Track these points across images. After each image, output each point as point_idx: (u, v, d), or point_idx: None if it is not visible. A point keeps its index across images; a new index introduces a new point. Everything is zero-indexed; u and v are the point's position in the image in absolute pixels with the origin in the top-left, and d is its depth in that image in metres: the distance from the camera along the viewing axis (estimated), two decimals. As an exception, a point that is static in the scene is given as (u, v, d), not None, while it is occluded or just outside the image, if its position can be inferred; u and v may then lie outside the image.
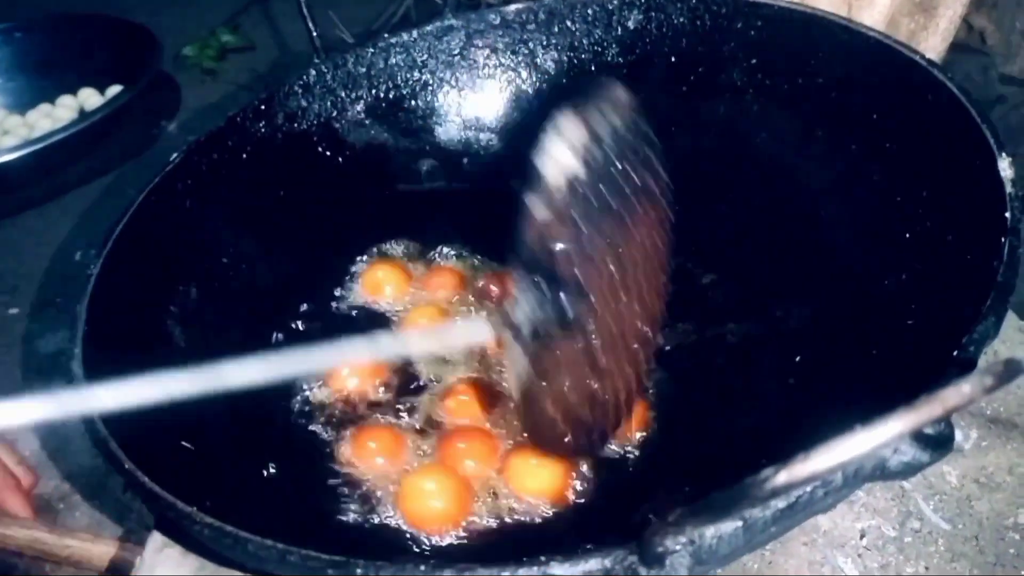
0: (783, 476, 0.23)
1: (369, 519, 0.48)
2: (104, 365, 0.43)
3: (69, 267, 0.94)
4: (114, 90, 1.14)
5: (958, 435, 0.52)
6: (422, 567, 0.29)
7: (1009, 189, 0.40)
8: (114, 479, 0.70)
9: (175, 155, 0.55)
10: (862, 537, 0.47)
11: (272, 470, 0.48)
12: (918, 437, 0.29)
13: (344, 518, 0.47)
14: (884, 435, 0.22)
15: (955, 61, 1.04)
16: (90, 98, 1.15)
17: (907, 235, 0.48)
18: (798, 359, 0.51)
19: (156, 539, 0.46)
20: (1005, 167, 0.41)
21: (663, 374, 0.55)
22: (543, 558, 0.29)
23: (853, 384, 0.46)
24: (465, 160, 0.66)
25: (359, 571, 0.30)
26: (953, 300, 0.39)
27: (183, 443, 0.43)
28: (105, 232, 0.50)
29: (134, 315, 0.48)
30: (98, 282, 0.46)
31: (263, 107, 0.59)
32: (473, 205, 0.64)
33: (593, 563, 0.29)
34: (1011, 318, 0.61)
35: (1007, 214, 0.39)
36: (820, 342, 0.51)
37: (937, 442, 0.29)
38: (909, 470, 0.30)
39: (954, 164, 0.45)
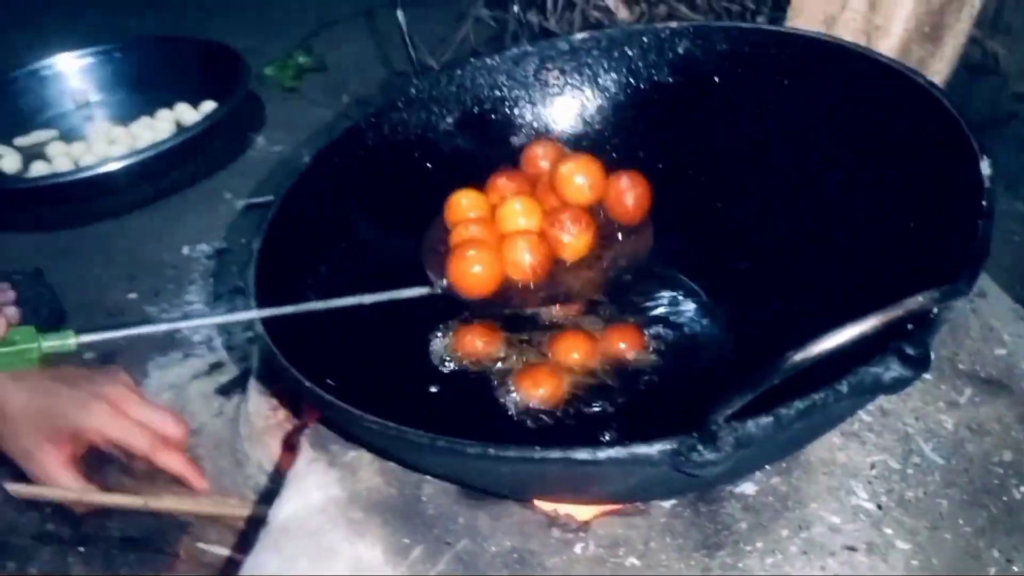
0: (799, 355, 0.34)
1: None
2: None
3: (177, 258, 1.07)
4: (207, 105, 1.27)
5: (954, 392, 0.63)
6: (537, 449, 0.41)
7: (987, 184, 0.51)
8: (232, 432, 0.82)
9: (306, 158, 0.67)
10: (872, 468, 0.58)
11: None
12: (903, 357, 0.40)
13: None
14: (865, 326, 0.33)
15: (971, 82, 1.14)
16: (185, 112, 1.28)
17: (911, 224, 0.59)
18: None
19: (306, 454, 0.58)
20: (985, 167, 0.52)
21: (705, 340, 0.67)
22: (625, 441, 0.41)
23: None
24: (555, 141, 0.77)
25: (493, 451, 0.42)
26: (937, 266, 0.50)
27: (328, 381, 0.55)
28: (259, 221, 0.62)
29: (285, 284, 0.60)
30: (260, 257, 0.59)
31: (373, 119, 0.72)
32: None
33: (664, 444, 0.40)
34: (1005, 299, 0.72)
35: (984, 202, 0.50)
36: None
37: (917, 361, 0.40)
38: (897, 384, 0.41)
39: (945, 165, 0.56)
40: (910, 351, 0.40)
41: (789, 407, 0.41)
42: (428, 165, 0.75)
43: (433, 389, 0.64)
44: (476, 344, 0.66)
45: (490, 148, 0.77)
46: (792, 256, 0.68)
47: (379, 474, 0.58)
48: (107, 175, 1.13)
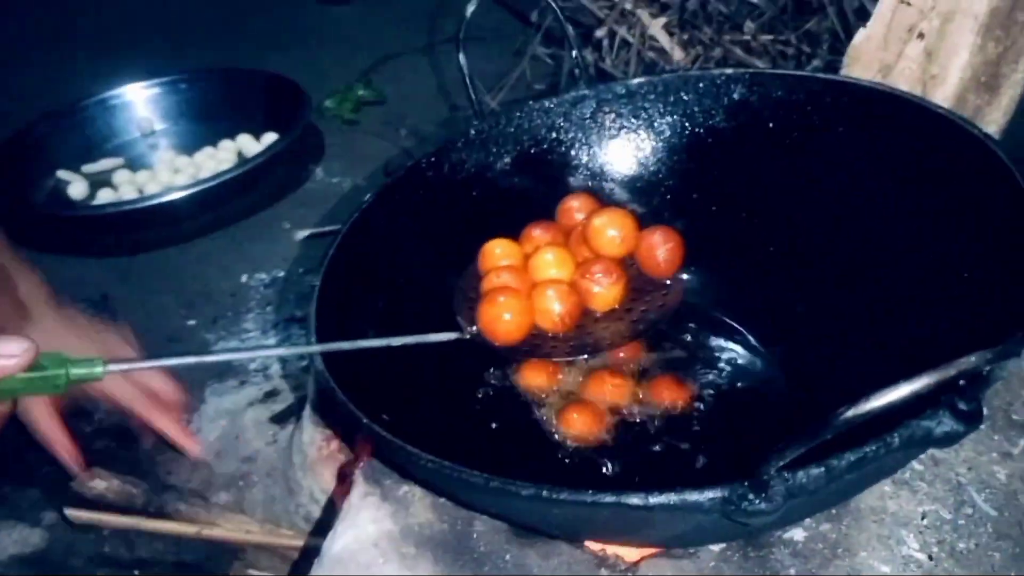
0: (851, 411, 0.34)
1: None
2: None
3: (236, 286, 1.09)
4: (268, 136, 1.30)
5: (1008, 444, 0.62)
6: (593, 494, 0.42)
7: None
8: (285, 460, 0.84)
9: (368, 196, 0.69)
10: (923, 518, 0.58)
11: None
12: (955, 411, 0.40)
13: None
14: (918, 385, 0.34)
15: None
16: (247, 143, 1.32)
17: (965, 274, 0.59)
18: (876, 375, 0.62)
19: (360, 489, 0.60)
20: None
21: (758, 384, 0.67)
22: (677, 487, 0.41)
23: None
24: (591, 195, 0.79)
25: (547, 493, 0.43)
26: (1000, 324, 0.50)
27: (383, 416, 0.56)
28: (321, 256, 0.64)
29: (343, 319, 0.62)
30: (320, 292, 0.60)
31: (434, 159, 0.73)
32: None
33: (715, 491, 0.41)
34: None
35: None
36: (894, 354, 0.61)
37: (970, 416, 0.40)
38: (949, 438, 0.41)
39: (1001, 218, 0.56)
40: (962, 406, 0.41)
41: (840, 458, 0.41)
42: (485, 203, 0.77)
43: (485, 425, 0.65)
44: (532, 381, 0.68)
45: (546, 187, 0.78)
46: (844, 301, 0.68)
47: (431, 509, 0.59)
48: (170, 203, 1.16)
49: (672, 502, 0.41)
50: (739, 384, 0.68)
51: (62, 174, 1.32)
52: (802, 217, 0.73)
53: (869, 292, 0.67)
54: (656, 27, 1.07)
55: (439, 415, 0.62)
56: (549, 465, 0.62)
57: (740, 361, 0.70)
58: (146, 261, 1.17)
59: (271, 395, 0.93)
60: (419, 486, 0.60)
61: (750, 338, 0.70)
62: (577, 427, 0.64)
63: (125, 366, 0.57)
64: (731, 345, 0.71)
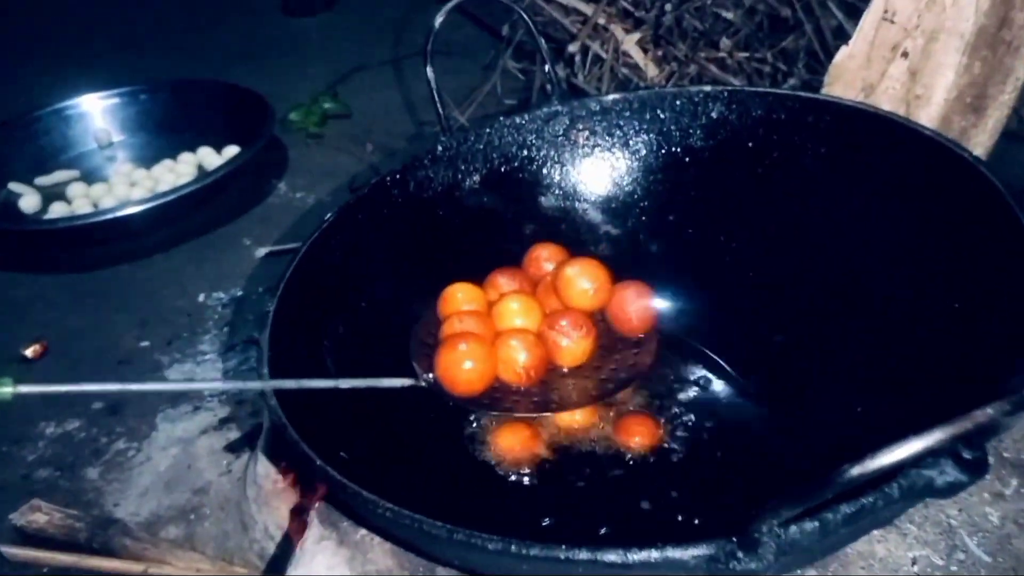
0: (856, 469, 0.31)
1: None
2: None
3: (192, 306, 1.05)
4: (230, 150, 1.26)
5: (999, 484, 0.59)
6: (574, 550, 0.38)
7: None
8: (239, 492, 0.79)
9: (329, 215, 0.65)
10: (913, 564, 0.54)
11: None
12: (958, 460, 0.37)
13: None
14: (930, 440, 0.30)
15: (1008, 150, 1.12)
16: (208, 156, 1.27)
17: (955, 304, 0.56)
18: (859, 410, 0.59)
19: (315, 532, 0.55)
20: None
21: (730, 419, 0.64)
22: (659, 544, 0.38)
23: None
24: (563, 225, 0.75)
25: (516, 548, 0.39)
26: (992, 357, 0.47)
27: (341, 454, 0.52)
28: (278, 277, 0.60)
29: (298, 343, 0.58)
30: (275, 318, 0.56)
31: (399, 176, 0.70)
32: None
33: (700, 548, 0.38)
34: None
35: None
36: (888, 397, 0.58)
37: (974, 465, 0.37)
38: (952, 489, 0.38)
39: (993, 243, 0.53)
40: (966, 454, 0.37)
41: (836, 512, 0.38)
42: (453, 222, 0.73)
43: (451, 466, 0.61)
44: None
45: (517, 207, 0.75)
46: (826, 330, 0.65)
47: (391, 555, 0.55)
48: (126, 218, 1.11)
49: (653, 560, 0.37)
50: (716, 417, 0.65)
51: (13, 186, 1.26)
52: (782, 241, 0.70)
53: (853, 320, 0.64)
54: (630, 43, 1.04)
55: (402, 454, 0.58)
56: (516, 511, 0.58)
57: (717, 392, 0.66)
58: (99, 278, 1.12)
59: (226, 421, 0.88)
60: (377, 533, 0.56)
61: (727, 368, 0.67)
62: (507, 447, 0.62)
63: (38, 389, 0.52)
64: (707, 374, 0.68)
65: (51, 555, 0.73)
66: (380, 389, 0.56)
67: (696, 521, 0.55)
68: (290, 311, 0.58)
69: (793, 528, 0.37)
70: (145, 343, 1.00)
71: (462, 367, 0.59)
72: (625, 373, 0.62)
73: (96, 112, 1.38)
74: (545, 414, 0.61)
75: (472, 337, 0.61)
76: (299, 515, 0.61)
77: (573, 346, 0.62)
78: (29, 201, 1.23)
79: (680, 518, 0.57)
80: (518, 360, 0.61)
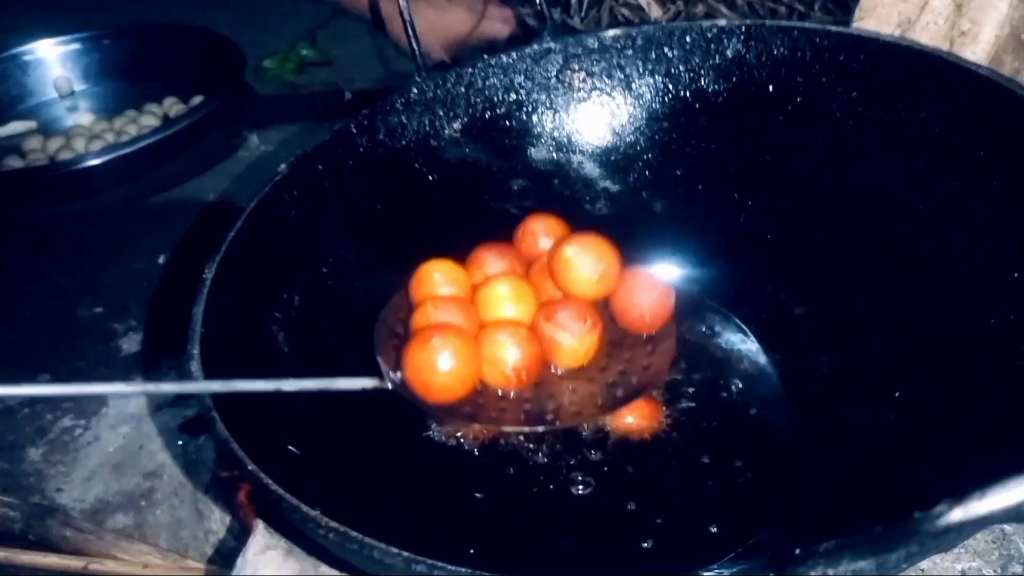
0: (958, 513, 0.23)
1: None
2: (215, 367, 0.45)
3: (152, 269, 0.96)
4: (198, 100, 1.16)
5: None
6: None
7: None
8: (195, 478, 0.71)
9: (283, 166, 0.56)
10: (961, 577, 0.47)
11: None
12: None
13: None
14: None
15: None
16: (174, 107, 1.18)
17: (1015, 274, 0.48)
18: (897, 395, 0.51)
19: (259, 541, 0.47)
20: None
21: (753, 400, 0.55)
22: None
23: (954, 423, 0.46)
24: (556, 181, 0.67)
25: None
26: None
27: (290, 447, 0.44)
28: (220, 239, 0.51)
29: (244, 320, 0.50)
30: (212, 287, 0.48)
31: (366, 122, 0.61)
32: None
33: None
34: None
35: None
36: (921, 379, 0.50)
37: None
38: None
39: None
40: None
41: (893, 544, 0.29)
42: (430, 177, 0.65)
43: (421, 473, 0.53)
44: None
45: (503, 160, 0.66)
46: (861, 303, 0.57)
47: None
48: (82, 172, 1.02)
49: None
50: (725, 402, 0.56)
51: (-38, 138, 1.17)
52: (806, 198, 0.61)
53: (890, 291, 0.56)
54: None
55: (359, 452, 0.50)
56: (490, 525, 0.50)
57: (729, 372, 0.58)
58: (53, 238, 1.03)
59: (185, 397, 0.80)
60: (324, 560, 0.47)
61: (751, 337, 0.58)
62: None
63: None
64: (732, 346, 0.59)
65: (-26, 549, 0.66)
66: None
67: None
68: (232, 279, 0.50)
69: (845, 566, 0.29)
70: (99, 309, 0.92)
71: (437, 368, 0.48)
72: (637, 377, 0.51)
73: (55, 59, 1.28)
74: (539, 428, 0.50)
75: (451, 330, 0.50)
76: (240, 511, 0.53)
77: (575, 343, 0.51)
78: (-22, 153, 1.13)
79: (691, 515, 0.48)
80: (507, 360, 0.50)
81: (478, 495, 0.51)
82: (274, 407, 0.44)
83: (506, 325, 0.51)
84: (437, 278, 0.54)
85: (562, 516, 0.51)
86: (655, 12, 0.96)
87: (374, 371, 0.48)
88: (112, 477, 0.75)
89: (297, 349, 0.51)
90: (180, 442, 0.75)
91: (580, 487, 0.51)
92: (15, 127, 1.20)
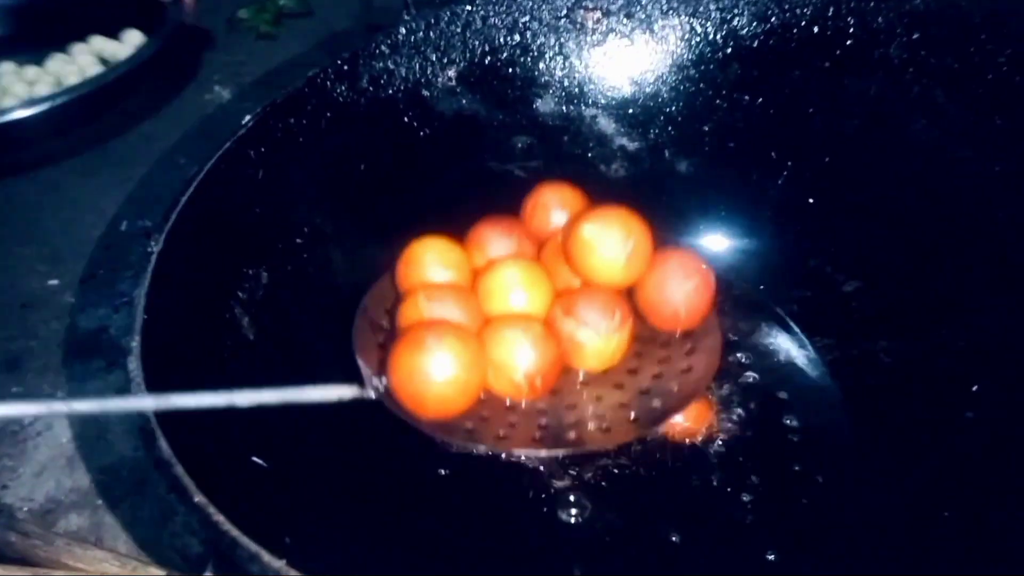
0: None
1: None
2: (164, 360, 0.37)
3: (113, 236, 0.88)
4: (131, 36, 1.06)
5: None
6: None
7: None
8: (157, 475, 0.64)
9: (248, 118, 0.48)
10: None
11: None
12: None
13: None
14: None
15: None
16: (107, 46, 1.07)
17: None
18: (975, 388, 0.43)
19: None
20: None
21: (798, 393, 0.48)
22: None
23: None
24: (566, 138, 0.58)
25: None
26: None
27: (254, 458, 0.36)
28: (166, 204, 0.42)
29: (200, 302, 0.41)
30: (158, 264, 0.39)
31: (346, 67, 0.52)
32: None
33: None
34: None
35: None
36: (1006, 368, 0.42)
37: None
38: None
39: None
40: None
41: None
42: (421, 133, 0.56)
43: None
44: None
45: (505, 113, 0.58)
46: (923, 271, 0.49)
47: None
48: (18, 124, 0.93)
49: None
50: (782, 397, 0.49)
51: None
52: (856, 157, 0.53)
53: (958, 261, 0.48)
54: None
55: (346, 475, 0.42)
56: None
57: (777, 358, 0.50)
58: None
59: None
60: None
61: (792, 324, 0.51)
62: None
63: None
64: (769, 335, 0.51)
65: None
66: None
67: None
68: (186, 253, 0.41)
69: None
70: (54, 282, 0.83)
71: (431, 376, 0.39)
72: (678, 384, 0.42)
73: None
74: (557, 452, 0.40)
75: (448, 328, 0.40)
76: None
77: (601, 342, 0.42)
78: None
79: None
80: (518, 363, 0.41)
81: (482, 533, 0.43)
82: (233, 415, 0.36)
83: (516, 320, 0.42)
84: (430, 260, 0.45)
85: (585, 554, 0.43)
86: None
87: (354, 371, 0.40)
88: (66, 472, 0.67)
89: (265, 336, 0.43)
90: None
91: (604, 512, 0.44)
92: None
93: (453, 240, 0.46)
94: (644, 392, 0.42)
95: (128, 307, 0.78)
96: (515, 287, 0.43)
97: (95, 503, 0.66)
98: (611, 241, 0.43)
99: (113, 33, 1.07)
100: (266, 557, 0.27)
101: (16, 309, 0.80)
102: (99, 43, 1.07)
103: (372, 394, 0.39)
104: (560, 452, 0.40)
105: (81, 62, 1.04)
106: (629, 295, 0.44)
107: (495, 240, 0.47)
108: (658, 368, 0.43)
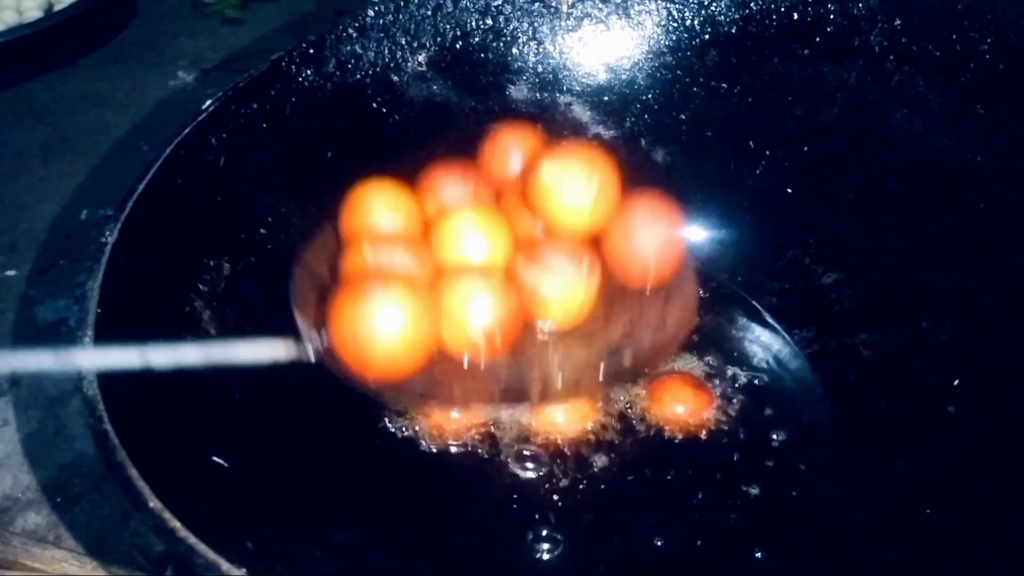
0: None
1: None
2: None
3: (73, 225, 0.85)
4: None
5: None
6: None
7: None
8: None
9: (208, 103, 0.46)
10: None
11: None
12: None
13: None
14: None
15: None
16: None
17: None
18: (956, 383, 0.42)
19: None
20: None
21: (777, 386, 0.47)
22: None
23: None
24: (539, 126, 0.57)
25: None
26: None
27: (214, 458, 0.35)
28: (126, 192, 0.40)
29: (155, 295, 0.39)
30: (113, 255, 0.37)
31: (312, 51, 0.50)
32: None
33: None
34: None
35: None
36: (987, 362, 0.42)
37: None
38: None
39: None
40: None
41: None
42: (390, 120, 0.54)
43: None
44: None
45: (477, 99, 0.56)
46: (905, 261, 0.48)
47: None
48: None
49: None
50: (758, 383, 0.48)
51: None
52: (835, 146, 0.52)
53: (940, 252, 0.47)
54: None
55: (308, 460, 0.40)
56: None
57: (756, 350, 0.49)
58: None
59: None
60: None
61: (768, 318, 0.50)
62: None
63: None
64: (741, 331, 0.50)
65: None
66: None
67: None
68: (142, 243, 0.39)
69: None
70: (12, 272, 0.81)
71: (377, 330, 0.35)
72: (650, 340, 0.39)
73: None
74: (519, 406, 0.39)
75: (395, 279, 0.37)
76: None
77: (567, 293, 0.39)
78: None
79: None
80: (475, 319, 0.38)
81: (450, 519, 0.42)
82: (190, 413, 0.34)
83: (472, 271, 0.39)
84: (377, 206, 0.41)
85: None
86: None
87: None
88: (23, 470, 0.65)
89: (227, 330, 0.41)
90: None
91: (583, 508, 0.42)
92: None
93: (403, 185, 0.43)
94: (614, 350, 0.39)
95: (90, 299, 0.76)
96: (471, 235, 0.40)
97: (54, 501, 0.64)
98: (574, 182, 0.40)
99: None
100: (225, 566, 0.25)
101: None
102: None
103: (311, 353, 0.36)
104: (522, 407, 0.38)
105: (24, 5, 1.01)
106: (595, 246, 0.42)
107: (449, 186, 0.44)
108: (629, 325, 0.40)
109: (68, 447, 0.66)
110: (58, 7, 1.02)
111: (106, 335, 0.34)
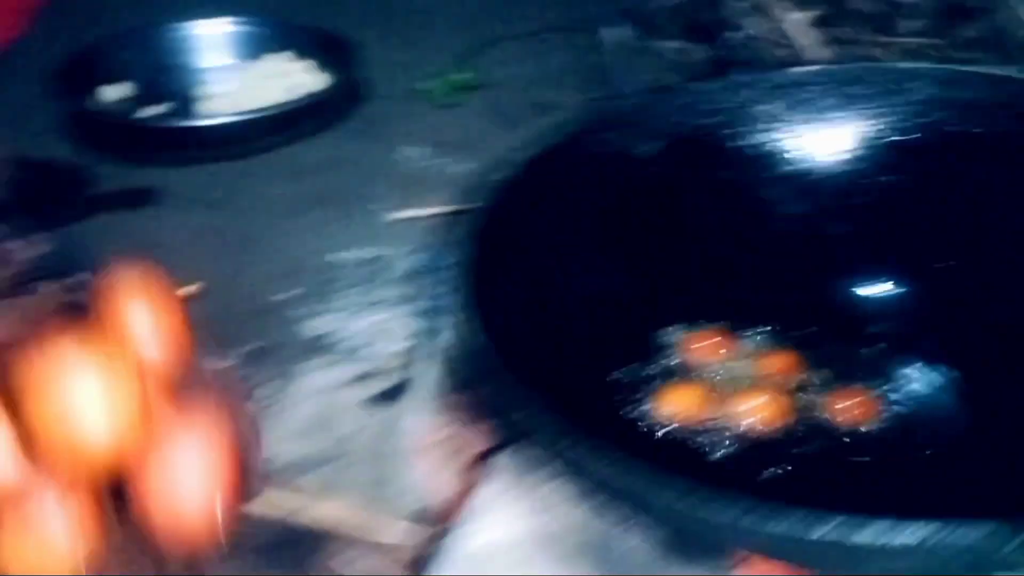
0: None
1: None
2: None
3: (321, 264, 1.02)
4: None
5: None
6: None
7: None
8: (390, 444, 0.77)
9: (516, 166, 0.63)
10: None
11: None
12: None
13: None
14: None
15: None
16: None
17: None
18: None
19: (495, 481, 0.52)
20: None
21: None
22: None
23: None
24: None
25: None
26: None
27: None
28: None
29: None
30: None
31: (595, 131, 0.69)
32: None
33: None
34: None
35: None
36: None
37: None
38: None
39: None
40: None
41: None
42: (627, 193, 0.71)
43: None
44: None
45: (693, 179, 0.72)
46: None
47: (579, 510, 0.52)
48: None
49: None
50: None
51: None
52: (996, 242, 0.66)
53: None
54: (794, 23, 1.00)
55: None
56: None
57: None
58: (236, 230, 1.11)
59: (365, 377, 0.86)
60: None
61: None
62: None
63: None
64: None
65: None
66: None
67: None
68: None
69: None
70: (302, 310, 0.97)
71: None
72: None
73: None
74: None
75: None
76: (473, 469, 0.58)
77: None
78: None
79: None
80: None
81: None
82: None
83: None
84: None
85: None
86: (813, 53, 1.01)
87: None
88: (300, 443, 0.79)
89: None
90: (366, 414, 0.81)
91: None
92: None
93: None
94: None
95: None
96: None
97: (328, 466, 0.78)
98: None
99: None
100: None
101: (251, 316, 0.95)
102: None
103: None
104: None
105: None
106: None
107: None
108: None
109: (338, 428, 0.80)
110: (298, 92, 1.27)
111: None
